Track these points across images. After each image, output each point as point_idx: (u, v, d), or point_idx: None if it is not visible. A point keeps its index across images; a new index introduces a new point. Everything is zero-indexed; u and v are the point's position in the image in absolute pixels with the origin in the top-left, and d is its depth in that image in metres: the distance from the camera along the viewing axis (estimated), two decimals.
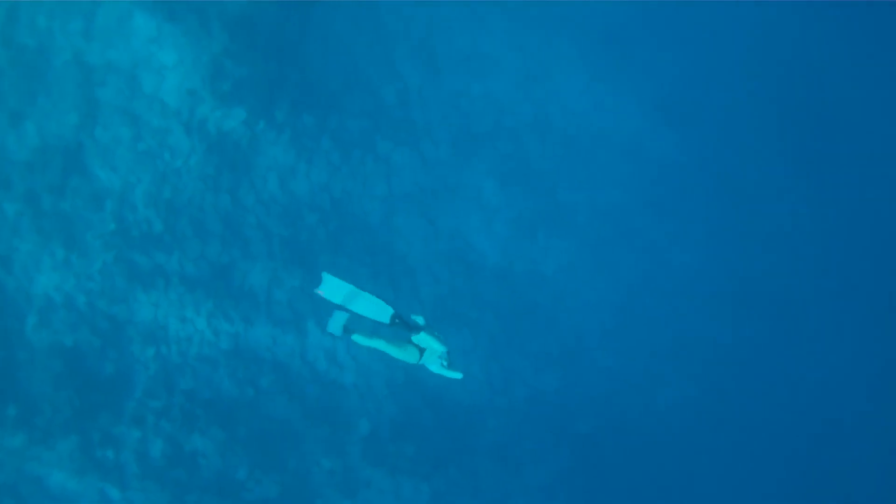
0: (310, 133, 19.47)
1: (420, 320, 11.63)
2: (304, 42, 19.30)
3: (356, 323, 11.43)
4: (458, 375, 12.50)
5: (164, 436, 18.32)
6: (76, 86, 17.73)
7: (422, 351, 11.63)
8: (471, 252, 20.63)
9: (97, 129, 17.93)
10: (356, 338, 11.53)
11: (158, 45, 18.04)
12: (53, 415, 17.58)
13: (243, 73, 18.76)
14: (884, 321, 22.38)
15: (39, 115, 17.55)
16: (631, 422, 20.97)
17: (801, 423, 21.93)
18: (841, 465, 22.29)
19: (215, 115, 18.66)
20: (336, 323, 11.83)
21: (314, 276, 18.27)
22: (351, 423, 19.50)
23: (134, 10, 17.73)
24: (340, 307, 11.71)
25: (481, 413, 20.04)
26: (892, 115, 22.23)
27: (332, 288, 11.77)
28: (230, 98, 18.63)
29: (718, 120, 21.70)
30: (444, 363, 11.82)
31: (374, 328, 11.48)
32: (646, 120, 21.30)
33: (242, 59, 18.73)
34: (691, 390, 21.19)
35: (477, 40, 20.64)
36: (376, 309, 11.78)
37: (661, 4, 20.94)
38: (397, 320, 11.58)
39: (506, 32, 20.77)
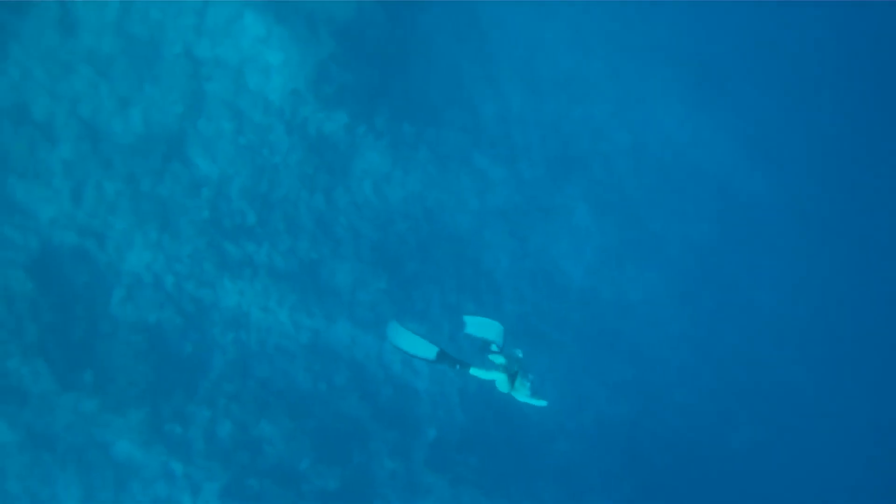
0: (408, 142, 19.99)
1: (519, 353, 11.97)
2: (409, 52, 19.82)
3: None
4: (542, 403, 12.62)
5: (233, 418, 18.92)
6: (184, 77, 18.60)
7: (513, 380, 11.91)
8: (557, 274, 20.85)
9: (201, 120, 18.77)
10: (473, 371, 12.08)
11: (266, 44, 18.79)
12: (128, 386, 18.36)
13: (348, 78, 19.38)
14: None
15: (146, 103, 18.46)
16: (700, 460, 20.78)
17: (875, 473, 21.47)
18: None
19: (317, 116, 19.34)
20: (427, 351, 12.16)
21: (397, 279, 18.87)
22: (419, 429, 19.84)
23: (245, 10, 18.52)
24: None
25: (550, 434, 20.19)
26: None
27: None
28: (333, 101, 19.28)
29: (811, 161, 21.45)
30: (530, 391, 12.14)
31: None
32: (739, 156, 21.18)
33: (347, 64, 19.34)
34: (765, 434, 20.88)
35: (579, 64, 20.86)
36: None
37: (762, 41, 20.82)
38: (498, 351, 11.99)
39: (607, 58, 20.92)
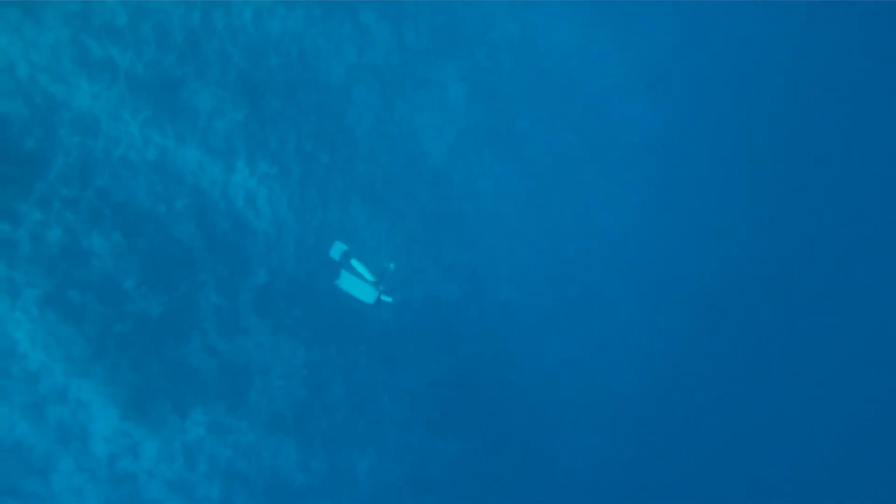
0: None
1: (392, 266, 17.39)
2: None
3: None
4: (388, 300, 19.19)
5: (64, 225, 20.39)
6: None
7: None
8: (416, 145, 23.44)
9: None
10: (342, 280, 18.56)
11: None
12: None
13: None
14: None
15: None
16: (509, 358, 24.38)
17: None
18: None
19: None
20: (336, 250, 18.51)
21: (257, 114, 20.96)
22: (250, 269, 22.07)
23: None
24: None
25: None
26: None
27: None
28: None
29: (690, 103, 25.02)
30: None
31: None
32: (621, 79, 24.45)
33: None
34: (576, 353, 24.81)
35: None
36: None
37: None
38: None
39: None
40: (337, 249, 19.78)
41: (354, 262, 19.19)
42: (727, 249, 25.89)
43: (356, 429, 22.51)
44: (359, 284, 19.33)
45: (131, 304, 20.53)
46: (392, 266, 19.42)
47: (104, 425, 20.76)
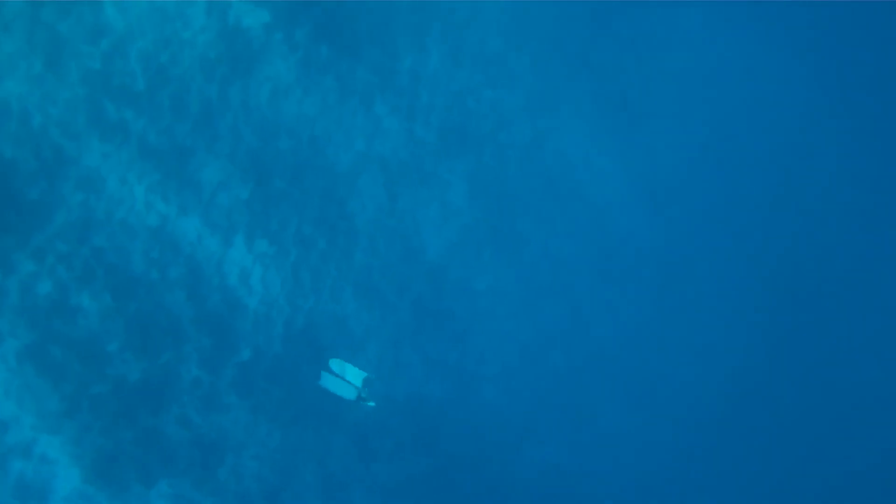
0: (320, 64, 23.23)
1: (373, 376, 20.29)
2: None
3: None
4: (371, 404, 21.99)
5: (56, 280, 21.34)
6: None
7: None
8: (415, 239, 24.54)
9: None
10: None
11: None
12: None
13: None
14: None
15: None
16: (490, 462, 25.07)
17: None
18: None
19: (241, 5, 22.29)
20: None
21: (261, 193, 22.11)
22: (235, 346, 22.92)
23: None
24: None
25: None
26: None
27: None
28: None
29: (698, 215, 26.43)
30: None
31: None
32: (626, 192, 25.83)
33: None
34: (561, 460, 25.60)
35: (507, 49, 24.90)
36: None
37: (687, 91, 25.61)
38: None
39: (534, 56, 25.09)
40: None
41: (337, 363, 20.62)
42: (720, 366, 26.69)
43: None
44: (340, 383, 20.65)
45: (112, 367, 21.20)
46: (373, 377, 20.64)
47: (66, 485, 21.24)
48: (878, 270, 27.85)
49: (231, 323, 22.26)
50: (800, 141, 27.10)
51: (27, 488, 20.56)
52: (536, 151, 24.87)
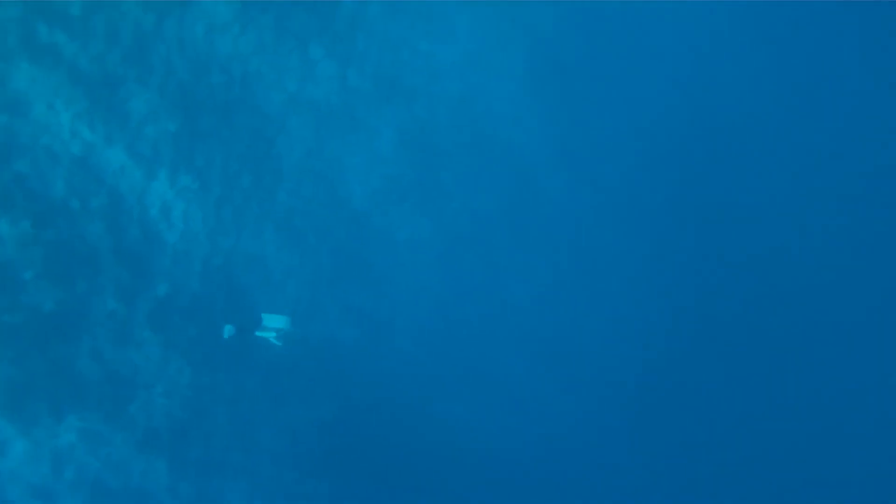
0: (259, 2, 23.81)
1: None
2: None
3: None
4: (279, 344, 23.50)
5: None
6: None
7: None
8: (340, 185, 25.43)
9: None
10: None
11: None
12: None
13: None
14: None
15: None
16: (398, 412, 26.35)
17: None
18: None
19: None
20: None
21: (189, 128, 22.63)
22: (152, 281, 23.53)
23: None
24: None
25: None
26: None
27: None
28: None
29: (621, 179, 27.96)
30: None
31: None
32: (552, 158, 27.16)
33: None
34: (465, 413, 27.04)
35: (446, 3, 25.80)
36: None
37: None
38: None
39: (474, 11, 26.08)
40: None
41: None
42: (631, 337, 28.42)
43: (232, 458, 23.93)
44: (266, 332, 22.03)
45: (27, 296, 21.46)
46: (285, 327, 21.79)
47: None
48: (788, 238, 29.72)
49: (150, 257, 22.77)
50: (726, 119, 28.59)
51: None
52: (466, 107, 25.84)
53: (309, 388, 24.83)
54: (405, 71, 24.94)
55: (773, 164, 28.97)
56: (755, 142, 29.09)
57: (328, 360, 25.04)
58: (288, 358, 24.36)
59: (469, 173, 25.86)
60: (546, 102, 26.88)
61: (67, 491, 22.01)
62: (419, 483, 26.06)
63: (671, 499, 28.25)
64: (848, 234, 29.07)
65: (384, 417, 25.51)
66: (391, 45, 24.63)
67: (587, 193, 27.50)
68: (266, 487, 24.27)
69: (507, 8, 26.13)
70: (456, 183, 25.86)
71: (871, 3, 28.55)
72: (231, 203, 23.29)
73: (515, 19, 26.39)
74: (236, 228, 23.51)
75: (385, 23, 24.52)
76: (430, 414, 26.19)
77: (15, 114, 20.67)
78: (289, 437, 24.54)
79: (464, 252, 26.16)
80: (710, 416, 28.98)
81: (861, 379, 29.38)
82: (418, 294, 25.84)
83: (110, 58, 21.56)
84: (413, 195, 25.45)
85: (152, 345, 22.85)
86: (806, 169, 28.94)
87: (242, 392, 24.05)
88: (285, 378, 24.39)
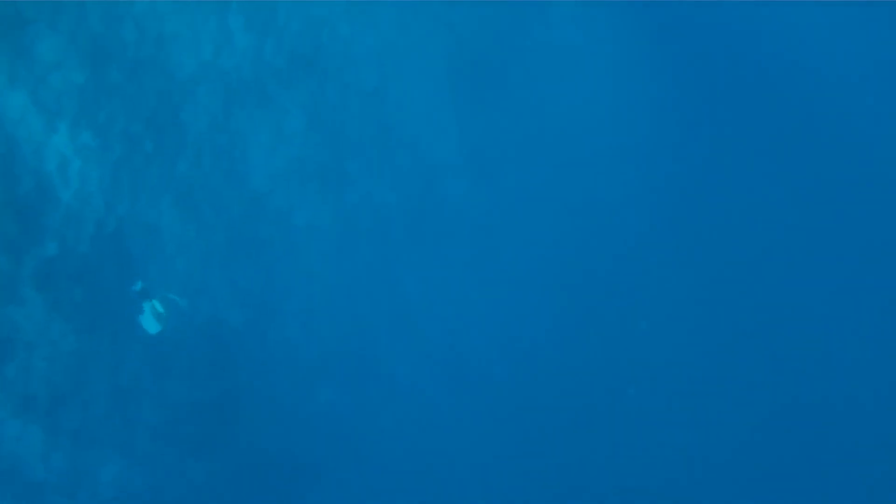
0: None
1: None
2: None
3: None
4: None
5: None
6: None
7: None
8: (242, 162, 25.27)
9: None
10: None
11: None
12: None
13: None
14: None
15: None
16: (281, 398, 26.19)
17: None
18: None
19: None
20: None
21: (95, 82, 22.16)
22: (41, 238, 22.76)
23: None
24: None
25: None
26: None
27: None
28: None
29: (522, 191, 28.67)
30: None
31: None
32: (459, 160, 27.77)
33: None
34: (348, 405, 27.06)
35: None
36: None
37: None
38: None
39: (398, 3, 26.56)
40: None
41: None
42: (522, 342, 29.05)
43: (109, 431, 23.20)
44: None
45: None
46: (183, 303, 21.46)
47: None
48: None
49: (41, 213, 22.02)
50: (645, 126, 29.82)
51: None
52: (379, 98, 26.15)
53: (193, 366, 24.36)
54: (323, 53, 25.01)
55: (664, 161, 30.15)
56: (669, 146, 30.36)
57: (214, 340, 24.61)
58: (173, 334, 23.60)
59: (374, 165, 26.11)
60: (460, 106, 27.45)
61: None
62: (297, 471, 25.69)
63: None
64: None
65: (266, 403, 25.25)
66: (312, 23, 24.65)
67: (489, 199, 28.05)
68: (143, 464, 23.61)
69: (433, 6, 26.57)
70: (360, 173, 26.04)
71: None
72: (130, 167, 22.79)
73: (440, 18, 26.86)
74: (133, 194, 23.00)
75: (305, 1, 24.47)
76: (313, 404, 25.96)
77: None
78: (170, 414, 24.00)
79: (360, 243, 26.30)
80: (593, 419, 29.59)
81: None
82: (311, 281, 25.80)
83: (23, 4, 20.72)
84: (315, 180, 25.49)
85: (36, 305, 21.98)
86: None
87: (125, 364, 23.42)
88: (170, 354, 23.91)
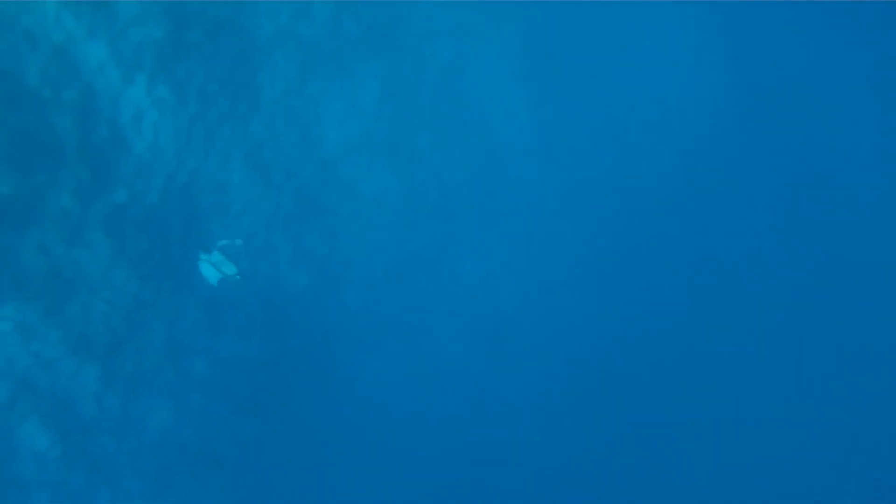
0: None
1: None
2: None
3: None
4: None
5: None
6: None
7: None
8: (315, 127, 25.66)
9: None
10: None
11: None
12: None
13: None
14: None
15: None
16: (332, 364, 26.56)
17: None
18: None
19: None
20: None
21: (175, 38, 22.69)
22: (113, 185, 23.49)
23: None
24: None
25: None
26: None
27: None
28: None
29: (590, 175, 28.54)
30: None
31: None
32: (529, 141, 27.78)
33: None
34: (397, 377, 27.30)
35: None
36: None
37: None
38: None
39: None
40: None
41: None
42: (580, 326, 28.89)
43: (162, 379, 23.81)
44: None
45: None
46: (239, 242, 21.64)
47: None
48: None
49: (114, 161, 22.68)
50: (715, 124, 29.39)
51: None
52: (454, 76, 26.26)
53: (249, 325, 24.79)
54: (400, 26, 25.18)
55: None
56: (741, 149, 29.86)
57: (272, 301, 24.93)
58: (233, 291, 24.09)
59: (444, 142, 26.25)
60: (534, 90, 27.42)
61: None
62: (339, 438, 26.00)
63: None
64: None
65: (317, 368, 25.55)
66: None
67: (557, 186, 27.91)
68: (191, 415, 24.16)
69: None
70: (430, 148, 26.23)
71: None
72: (204, 123, 23.36)
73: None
74: (204, 150, 23.55)
75: None
76: (362, 373, 26.22)
77: None
78: (222, 369, 24.53)
79: (425, 217, 26.49)
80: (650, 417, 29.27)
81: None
82: (372, 252, 26.01)
83: None
84: (386, 152, 25.75)
85: (102, 249, 22.73)
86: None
87: (183, 316, 23.94)
88: (227, 311, 24.40)
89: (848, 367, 31.25)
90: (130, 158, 22.74)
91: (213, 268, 22.16)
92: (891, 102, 30.97)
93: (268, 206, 24.60)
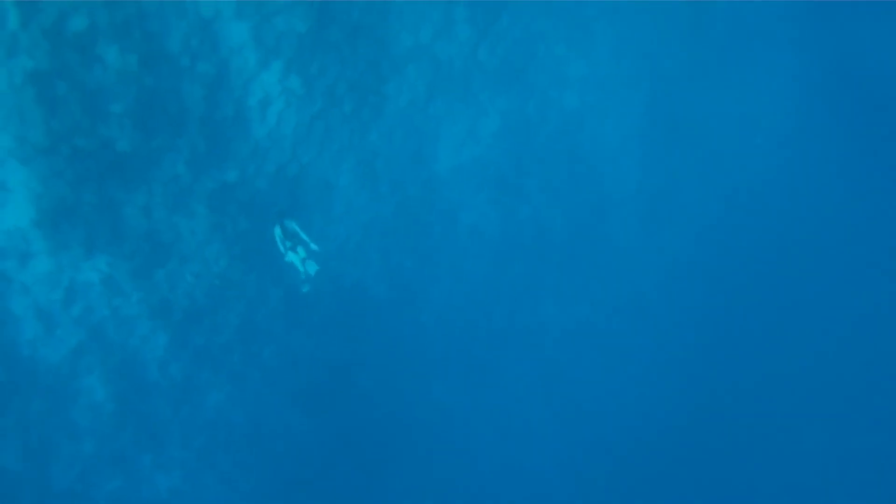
0: None
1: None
2: None
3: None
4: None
5: (92, 21, 21.79)
6: None
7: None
8: (431, 147, 26.06)
9: None
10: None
11: None
12: None
13: None
14: None
15: None
16: (401, 381, 26.82)
17: None
18: None
19: None
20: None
21: (315, 35, 23.14)
22: (226, 163, 23.94)
23: None
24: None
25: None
26: None
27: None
28: None
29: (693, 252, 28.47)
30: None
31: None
32: (641, 205, 27.85)
33: None
34: (461, 401, 27.46)
35: (595, 18, 26.58)
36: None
37: None
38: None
39: (619, 38, 26.95)
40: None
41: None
42: (655, 392, 28.79)
43: (228, 360, 24.26)
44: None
45: (106, 128, 21.85)
46: (314, 247, 22.09)
47: (11, 218, 21.65)
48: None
49: (233, 140, 23.17)
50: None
51: None
52: (576, 125, 26.47)
53: (325, 325, 25.16)
54: (533, 65, 25.46)
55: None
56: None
57: (352, 306, 25.27)
58: (317, 288, 24.50)
59: (551, 186, 26.43)
60: (650, 152, 27.37)
61: (68, 324, 22.24)
62: (392, 455, 26.22)
63: None
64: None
65: (383, 381, 25.77)
66: (531, 35, 25.21)
67: (654, 252, 27.89)
68: (250, 400, 24.55)
69: (645, 43, 26.70)
70: (536, 190, 26.50)
71: None
72: (325, 121, 23.81)
73: (649, 55, 26.93)
74: (320, 147, 24.01)
75: (532, 12, 25.04)
76: (425, 395, 26.47)
77: None
78: (289, 362, 24.87)
79: (516, 256, 26.69)
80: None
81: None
82: (458, 278, 26.31)
83: None
84: (492, 184, 25.93)
85: (202, 222, 23.21)
86: None
87: (264, 302, 24.36)
88: (306, 307, 24.75)
89: None
90: (249, 141, 23.24)
91: (299, 263, 22.54)
92: None
93: (368, 213, 24.96)
